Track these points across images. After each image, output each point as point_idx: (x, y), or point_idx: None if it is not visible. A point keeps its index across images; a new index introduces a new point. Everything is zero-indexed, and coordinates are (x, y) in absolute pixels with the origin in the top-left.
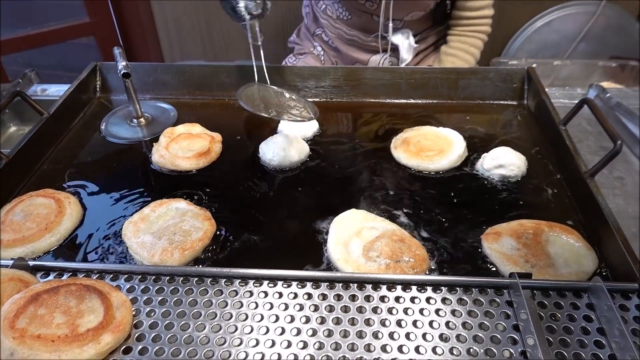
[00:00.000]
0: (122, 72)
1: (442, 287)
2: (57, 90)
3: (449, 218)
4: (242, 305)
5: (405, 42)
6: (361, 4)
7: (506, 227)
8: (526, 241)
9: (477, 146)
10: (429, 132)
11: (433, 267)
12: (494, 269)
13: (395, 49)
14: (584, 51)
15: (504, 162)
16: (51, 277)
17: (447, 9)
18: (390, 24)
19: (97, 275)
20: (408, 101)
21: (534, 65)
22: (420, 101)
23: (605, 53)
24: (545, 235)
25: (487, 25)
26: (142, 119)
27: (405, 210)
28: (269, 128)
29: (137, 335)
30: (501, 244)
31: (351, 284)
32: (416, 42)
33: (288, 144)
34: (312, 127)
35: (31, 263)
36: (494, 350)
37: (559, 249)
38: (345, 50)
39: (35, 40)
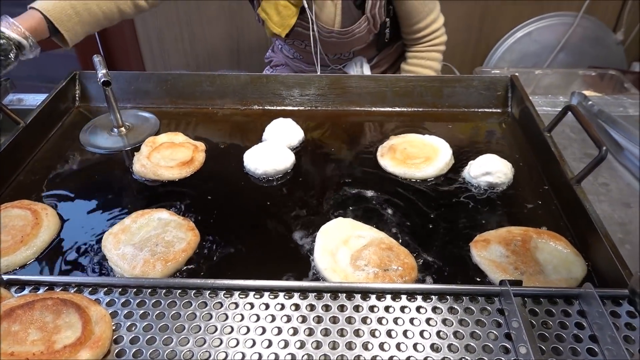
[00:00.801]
0: (102, 80)
1: (433, 296)
2: (34, 100)
3: (436, 226)
4: (227, 318)
5: (358, 72)
6: (302, 47)
7: (495, 235)
8: (515, 248)
9: (462, 154)
10: (415, 139)
11: (422, 276)
12: (482, 277)
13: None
14: (562, 61)
15: (490, 170)
16: (26, 291)
17: (386, 38)
18: (318, 62)
19: (75, 288)
20: (393, 109)
21: (516, 74)
22: (405, 109)
23: (583, 63)
24: (533, 242)
25: (441, 36)
26: (122, 128)
27: (392, 218)
28: (254, 137)
29: (117, 350)
30: (490, 252)
31: (339, 294)
32: (372, 67)
33: (273, 153)
34: (297, 136)
35: (5, 277)
36: (486, 359)
37: (548, 255)
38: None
39: None
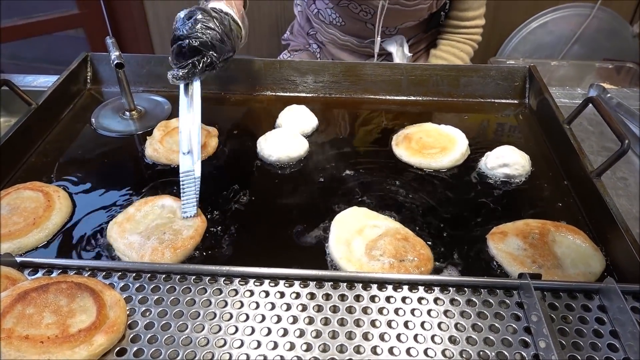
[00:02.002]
0: (115, 62)
1: (450, 288)
2: (45, 82)
3: (452, 217)
4: (242, 305)
5: (398, 50)
6: (355, 12)
7: (512, 227)
8: (533, 241)
9: (478, 144)
10: (431, 129)
11: (437, 267)
12: (498, 270)
13: (388, 54)
14: (577, 53)
15: (508, 161)
16: (39, 274)
17: (441, 19)
18: (378, 35)
19: (89, 272)
20: (408, 98)
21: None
22: (420, 98)
23: (598, 55)
24: (551, 236)
25: (478, 34)
26: (134, 112)
27: (407, 209)
28: (267, 123)
29: (131, 336)
30: (507, 244)
31: (356, 284)
32: (408, 45)
33: (287, 139)
34: (311, 123)
35: (18, 259)
36: (506, 353)
37: (566, 249)
38: (338, 54)
39: (22, 31)
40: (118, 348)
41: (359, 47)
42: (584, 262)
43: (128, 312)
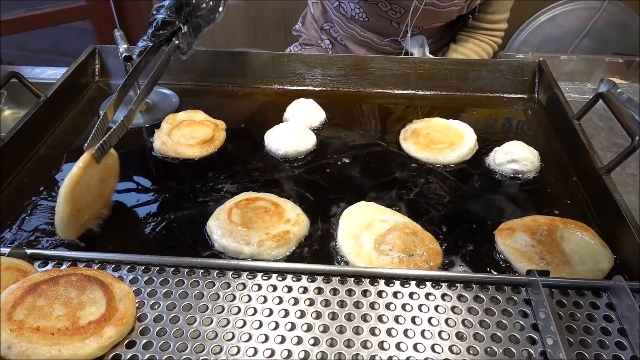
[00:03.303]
0: (123, 55)
1: (458, 284)
2: (53, 74)
3: (460, 212)
4: (250, 299)
5: (419, 50)
6: (383, 10)
7: (520, 223)
8: (541, 238)
9: (486, 140)
10: (439, 123)
11: (446, 262)
12: (506, 266)
13: (407, 53)
14: (586, 47)
15: (517, 157)
16: (49, 266)
17: (469, 22)
18: (409, 34)
19: (98, 265)
20: (416, 92)
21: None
22: (428, 92)
23: (607, 50)
24: (560, 232)
25: (500, 37)
26: (142, 105)
27: (414, 203)
28: (275, 117)
29: (140, 328)
30: (515, 240)
31: (363, 279)
32: (428, 45)
33: (295, 133)
34: (319, 117)
35: (29, 251)
36: (513, 349)
37: (574, 246)
38: (355, 50)
39: (28, 23)
40: (127, 340)
41: (379, 44)
42: (593, 259)
43: (137, 305)
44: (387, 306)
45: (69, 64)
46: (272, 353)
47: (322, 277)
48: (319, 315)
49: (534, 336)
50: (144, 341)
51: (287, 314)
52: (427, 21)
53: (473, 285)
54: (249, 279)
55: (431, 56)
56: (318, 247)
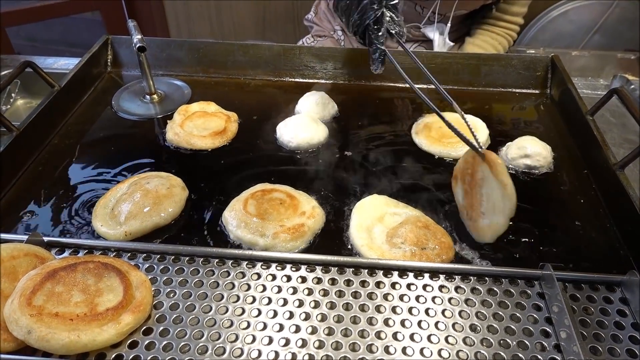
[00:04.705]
0: (137, 46)
1: (471, 277)
2: (66, 64)
3: None
4: (264, 289)
5: (439, 38)
6: None
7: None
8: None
9: (498, 134)
10: (451, 118)
11: (458, 256)
12: (520, 258)
13: (425, 41)
14: (597, 43)
15: (530, 152)
16: (66, 253)
17: (492, 12)
18: (434, 19)
19: (114, 253)
20: (428, 86)
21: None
22: (441, 87)
23: (619, 45)
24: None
25: (516, 32)
26: (154, 95)
27: (426, 197)
28: (287, 109)
29: (157, 316)
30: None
31: (377, 271)
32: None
33: (307, 125)
34: (331, 110)
35: (46, 239)
36: (527, 342)
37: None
38: None
39: (38, 13)
40: (144, 327)
41: None
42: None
43: (153, 293)
44: (401, 298)
45: (78, 55)
46: (287, 342)
47: (336, 268)
48: (333, 306)
49: (548, 329)
50: (161, 328)
51: (301, 304)
52: (450, 7)
53: (486, 278)
54: (264, 269)
55: (451, 43)
56: (330, 239)
